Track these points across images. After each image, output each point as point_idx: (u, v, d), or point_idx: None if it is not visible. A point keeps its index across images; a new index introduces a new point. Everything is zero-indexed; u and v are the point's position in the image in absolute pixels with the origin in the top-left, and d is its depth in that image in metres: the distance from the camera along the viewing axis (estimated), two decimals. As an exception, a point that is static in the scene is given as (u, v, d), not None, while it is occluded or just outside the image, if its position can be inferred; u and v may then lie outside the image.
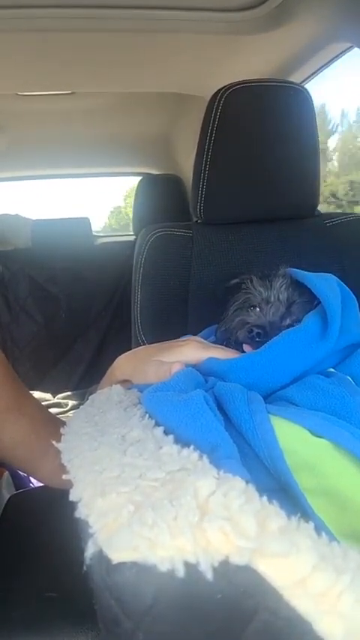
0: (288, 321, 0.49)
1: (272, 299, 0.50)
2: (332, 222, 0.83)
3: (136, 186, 1.86)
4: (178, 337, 0.55)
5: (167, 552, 0.20)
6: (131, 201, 1.95)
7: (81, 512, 0.24)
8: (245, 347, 0.49)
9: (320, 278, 0.48)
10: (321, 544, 0.21)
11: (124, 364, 0.51)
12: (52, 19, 0.91)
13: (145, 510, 0.22)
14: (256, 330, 0.48)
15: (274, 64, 1.14)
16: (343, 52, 1.02)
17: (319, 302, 0.46)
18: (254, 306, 0.51)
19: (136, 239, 1.05)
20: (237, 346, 0.51)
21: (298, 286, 0.50)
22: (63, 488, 0.29)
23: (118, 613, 0.21)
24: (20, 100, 1.46)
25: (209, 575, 0.20)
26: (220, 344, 0.54)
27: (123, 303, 1.79)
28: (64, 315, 1.80)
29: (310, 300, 0.48)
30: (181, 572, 0.20)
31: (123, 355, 0.52)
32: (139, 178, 1.90)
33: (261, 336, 0.47)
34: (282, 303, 0.50)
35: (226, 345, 0.53)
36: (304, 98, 0.77)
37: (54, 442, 0.35)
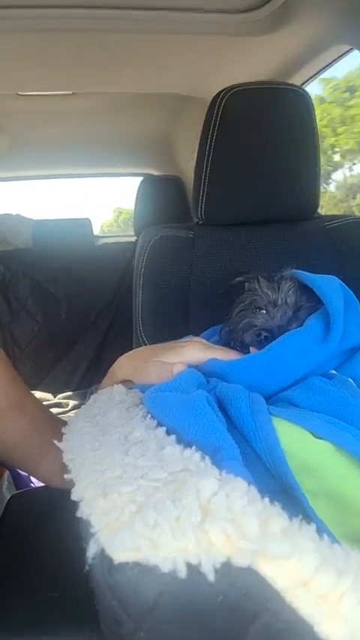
0: (294, 326, 0.48)
1: (280, 302, 0.50)
2: (332, 224, 0.83)
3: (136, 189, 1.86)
4: (180, 338, 0.55)
5: (169, 553, 0.20)
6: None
7: (83, 512, 0.24)
8: (252, 350, 0.49)
9: (324, 280, 0.48)
10: (323, 546, 0.21)
11: (125, 364, 0.51)
12: (53, 19, 0.91)
13: (147, 511, 0.22)
14: (264, 334, 0.47)
15: (274, 66, 1.14)
16: (342, 55, 1.02)
17: (323, 306, 0.46)
18: (260, 309, 0.51)
19: (137, 240, 1.05)
20: (242, 347, 0.51)
21: (305, 290, 0.49)
22: (64, 487, 0.29)
23: (119, 613, 0.21)
24: (21, 100, 1.46)
25: (211, 577, 0.20)
26: (223, 344, 0.54)
27: (124, 303, 1.79)
28: (65, 316, 1.80)
29: (317, 305, 0.48)
30: (183, 572, 0.20)
31: (124, 355, 0.52)
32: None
33: (269, 339, 0.46)
34: (289, 306, 0.49)
35: (229, 346, 0.53)
36: (304, 100, 0.77)
37: (55, 441, 0.35)
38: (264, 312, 0.50)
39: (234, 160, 0.77)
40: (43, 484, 0.60)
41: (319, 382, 0.41)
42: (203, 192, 0.78)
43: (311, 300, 0.49)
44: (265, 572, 0.20)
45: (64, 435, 0.36)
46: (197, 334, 0.59)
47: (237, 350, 0.50)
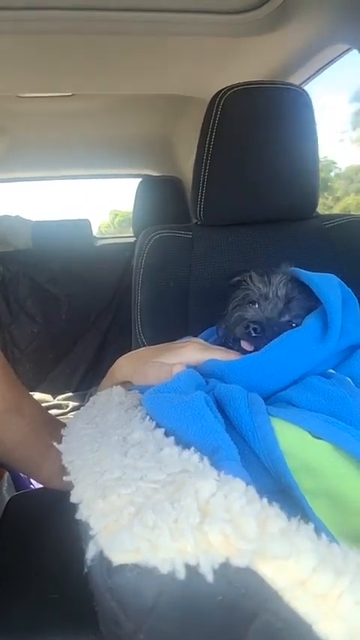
0: (287, 317, 0.49)
1: (271, 295, 0.50)
2: (331, 223, 0.83)
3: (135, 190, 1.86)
4: (179, 338, 0.55)
5: (168, 554, 0.20)
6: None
7: (82, 514, 0.24)
8: (243, 343, 0.49)
9: (322, 278, 0.48)
10: (321, 546, 0.21)
11: (124, 365, 0.51)
12: (53, 21, 0.91)
13: (145, 512, 0.22)
14: (252, 326, 0.47)
15: (273, 65, 1.14)
16: (341, 55, 1.02)
17: (322, 304, 0.46)
18: (253, 302, 0.51)
19: (136, 240, 1.05)
20: (235, 342, 0.51)
21: (298, 283, 0.50)
22: (63, 489, 0.29)
23: (119, 615, 0.21)
24: (21, 101, 1.46)
25: (210, 577, 0.20)
26: (221, 342, 0.54)
27: (123, 304, 1.79)
28: (65, 316, 1.81)
29: (310, 296, 0.48)
30: (181, 574, 0.20)
31: (123, 357, 0.52)
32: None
33: (258, 331, 0.47)
34: (280, 299, 0.50)
35: (225, 343, 0.53)
36: (304, 100, 0.77)
37: (54, 443, 0.35)
38: (255, 305, 0.50)
39: (233, 160, 0.77)
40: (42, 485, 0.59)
41: (317, 382, 0.41)
42: (202, 192, 0.78)
43: (310, 299, 0.49)
44: (263, 573, 0.20)
45: (63, 437, 0.36)
46: (196, 334, 0.59)
47: (235, 350, 0.50)
